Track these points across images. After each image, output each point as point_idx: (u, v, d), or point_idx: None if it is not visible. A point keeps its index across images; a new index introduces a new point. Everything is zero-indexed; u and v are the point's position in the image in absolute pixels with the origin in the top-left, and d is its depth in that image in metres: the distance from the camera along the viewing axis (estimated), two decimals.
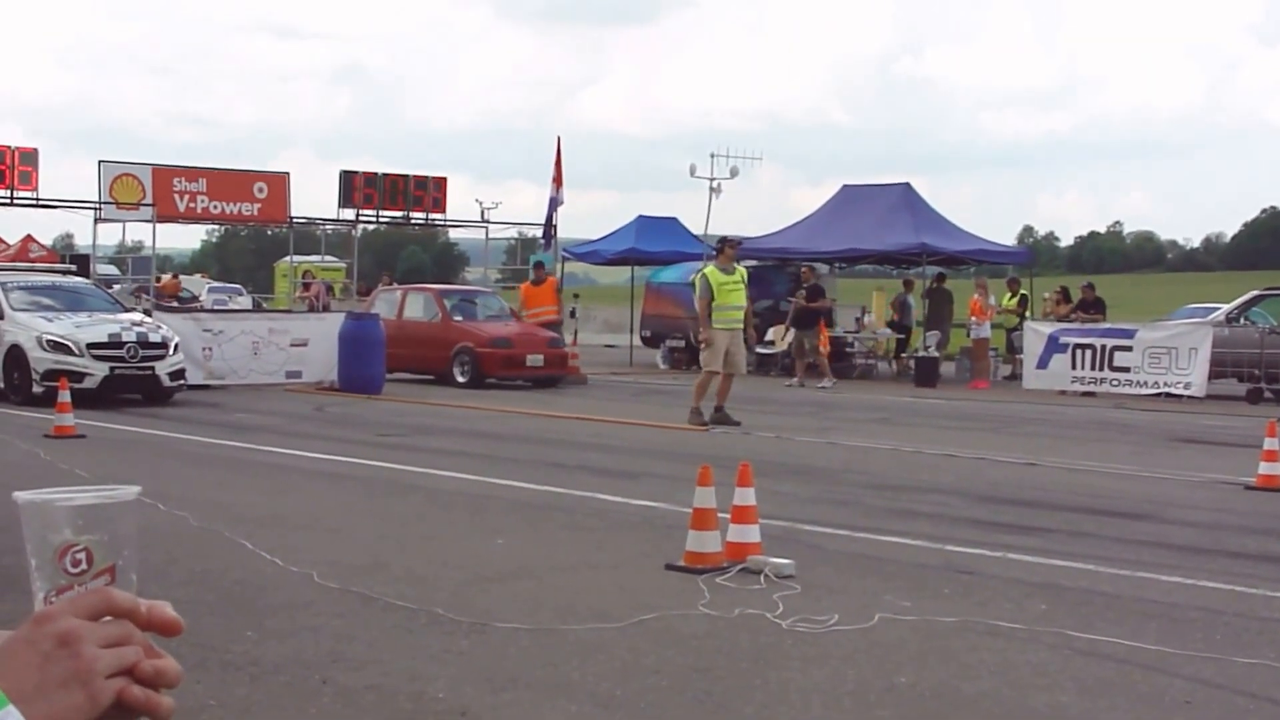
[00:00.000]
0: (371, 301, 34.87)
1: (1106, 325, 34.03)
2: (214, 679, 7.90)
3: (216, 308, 41.34)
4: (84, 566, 1.65)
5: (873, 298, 43.31)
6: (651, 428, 22.89)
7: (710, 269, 23.04)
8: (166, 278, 45.98)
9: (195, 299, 46.33)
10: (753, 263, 41.83)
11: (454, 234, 48.01)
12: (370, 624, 9.21)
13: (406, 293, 35.33)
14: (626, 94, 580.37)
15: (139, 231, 40.85)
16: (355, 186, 35.74)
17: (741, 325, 23.03)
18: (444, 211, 37.06)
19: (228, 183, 34.99)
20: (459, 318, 33.04)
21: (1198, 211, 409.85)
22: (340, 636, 8.91)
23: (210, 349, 28.92)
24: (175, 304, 38.83)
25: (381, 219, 37.24)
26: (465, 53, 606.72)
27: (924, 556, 11.96)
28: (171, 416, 23.22)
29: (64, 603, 1.62)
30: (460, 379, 31.48)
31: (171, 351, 25.35)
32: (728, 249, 23.67)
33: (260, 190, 35.01)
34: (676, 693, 7.96)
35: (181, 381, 25.67)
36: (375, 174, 36.32)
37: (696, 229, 46.72)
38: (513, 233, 43.01)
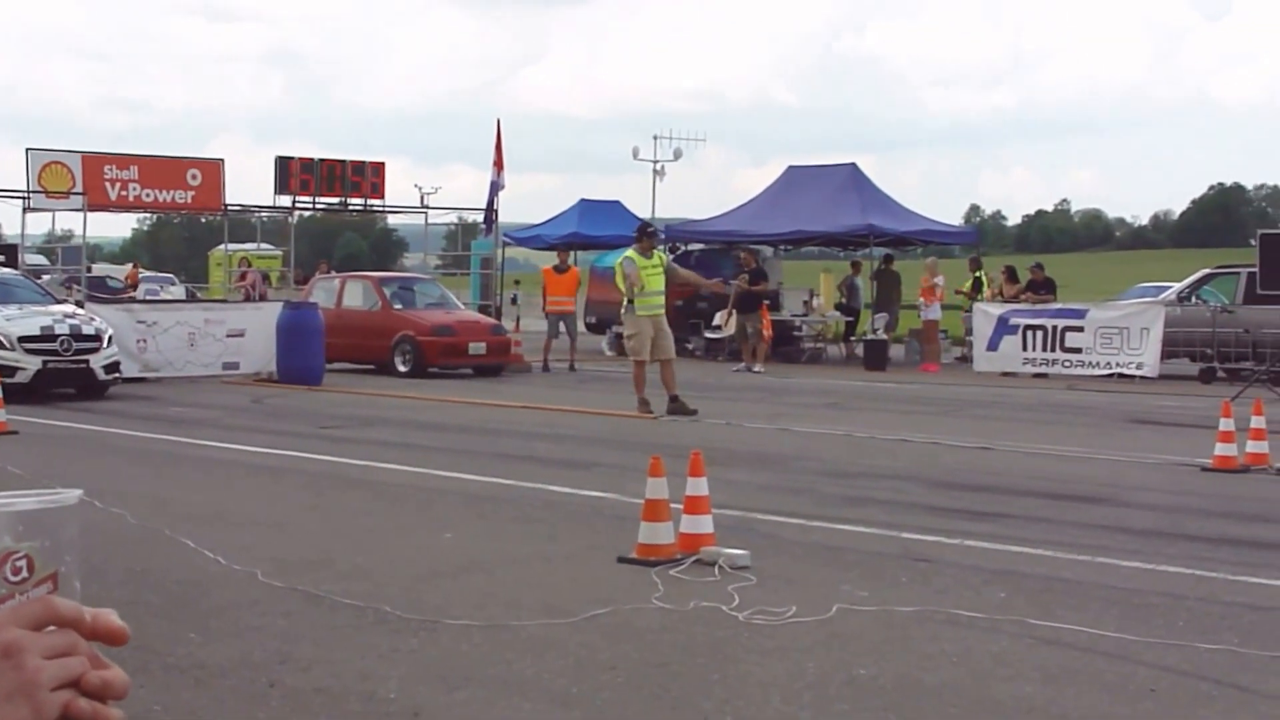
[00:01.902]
0: (309, 290, 34.47)
1: (1057, 306, 33.98)
2: (157, 683, 7.67)
3: (150, 298, 40.88)
4: (25, 574, 1.56)
5: (820, 280, 43.21)
6: (599, 416, 22.69)
7: (631, 253, 22.85)
8: (128, 268, 45.57)
9: (127, 288, 45.79)
10: (699, 246, 41.80)
11: (392, 220, 47.90)
12: (317, 623, 8.99)
13: (345, 281, 34.84)
14: (567, 75, 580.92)
15: (68, 220, 40.45)
16: (291, 172, 35.38)
17: (663, 310, 22.84)
18: (383, 197, 36.75)
19: (160, 170, 34.55)
20: (399, 306, 32.61)
21: (1145, 189, 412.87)
22: (287, 637, 8.68)
23: (144, 341, 28.42)
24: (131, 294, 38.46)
25: (319, 205, 36.90)
26: (401, 34, 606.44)
27: (880, 544, 11.81)
28: (106, 411, 22.86)
29: (5, 612, 1.54)
30: (401, 368, 31.12)
31: (106, 344, 24.90)
32: (646, 237, 23.50)
33: (194, 177, 34.56)
34: (633, 689, 7.80)
35: (116, 375, 25.27)
36: (312, 159, 35.97)
37: (641, 212, 46.70)
38: (452, 218, 42.71)
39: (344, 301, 33.18)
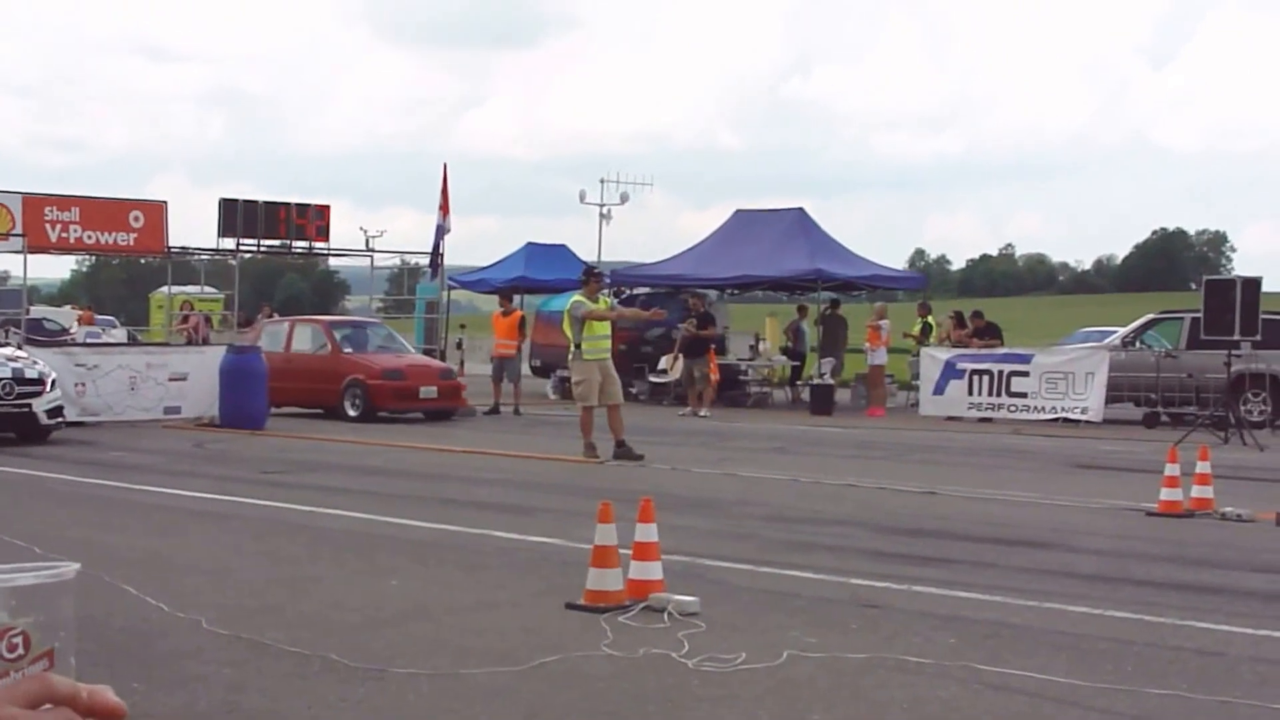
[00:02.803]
0: (257, 333, 34.07)
1: (1003, 350, 34.18)
2: None
3: (90, 341, 40.56)
4: (21, 651, 1.54)
5: (766, 324, 43.26)
6: (544, 461, 22.62)
7: (579, 297, 22.86)
8: (73, 310, 45.18)
9: (65, 331, 45.43)
10: (645, 290, 41.79)
11: (334, 262, 47.58)
12: (263, 672, 8.87)
13: (294, 324, 34.40)
14: (512, 117, 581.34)
15: (6, 262, 40.17)
16: (235, 215, 35.20)
17: (609, 355, 22.84)
18: (327, 240, 36.63)
19: (102, 211, 34.36)
20: (349, 349, 32.22)
21: (1089, 233, 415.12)
22: (232, 686, 8.56)
23: (84, 384, 28.08)
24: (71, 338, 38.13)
25: (263, 249, 36.74)
26: (345, 75, 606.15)
27: (828, 590, 11.77)
28: (44, 455, 22.63)
29: (1, 690, 1.51)
30: (351, 412, 30.72)
31: (49, 388, 24.65)
32: (593, 281, 23.54)
33: (136, 219, 34.39)
34: None
35: (60, 419, 25.02)
36: (256, 202, 35.81)
37: (588, 255, 46.69)
38: (396, 261, 42.58)
39: (293, 345, 32.81)
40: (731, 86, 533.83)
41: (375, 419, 30.24)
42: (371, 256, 38.76)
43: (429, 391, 31.13)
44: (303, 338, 33.15)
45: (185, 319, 44.03)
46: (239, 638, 9.68)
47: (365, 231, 39.31)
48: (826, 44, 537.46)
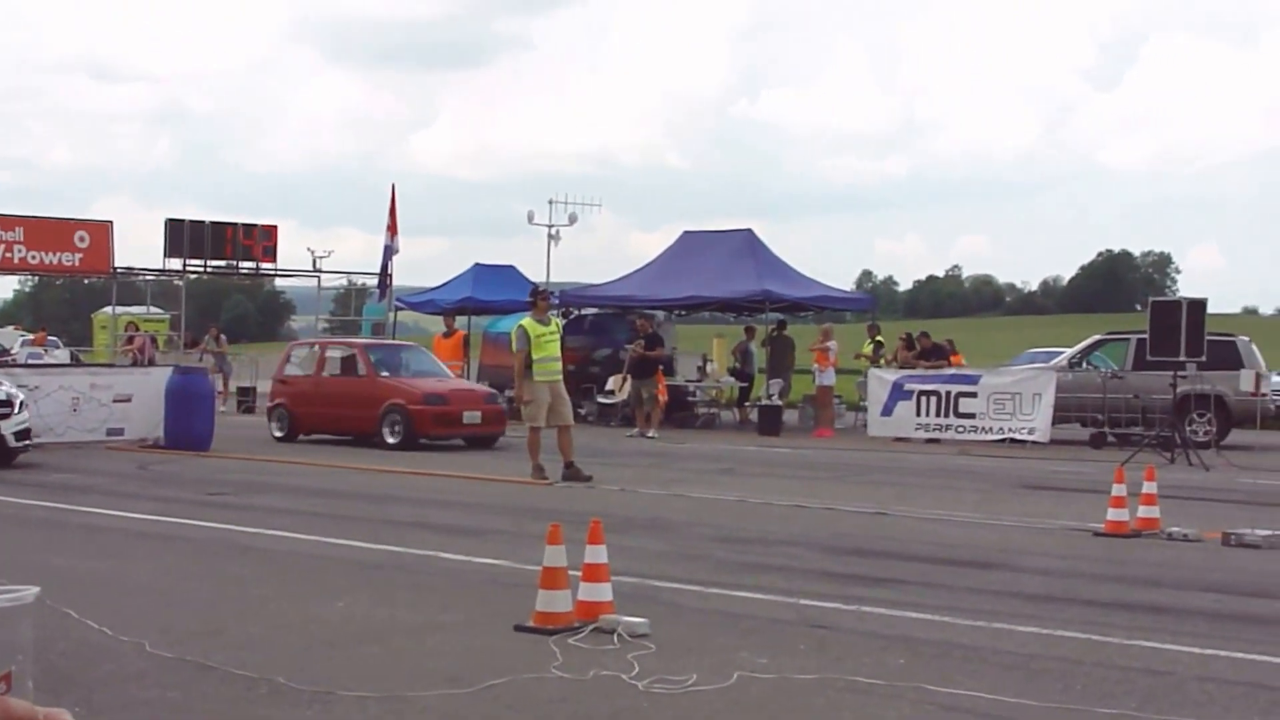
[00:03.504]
0: (282, 359, 33.07)
1: (951, 371, 34.32)
2: None
3: (32, 361, 40.29)
4: None
5: (713, 345, 43.28)
6: (493, 482, 22.57)
7: (527, 321, 22.85)
8: (34, 334, 44.85)
9: (6, 352, 45.13)
10: (594, 310, 41.77)
11: (281, 282, 47.38)
12: (208, 695, 8.78)
13: (325, 346, 33.13)
14: (460, 138, 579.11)
15: None
16: (181, 235, 35.01)
17: (560, 376, 22.85)
18: (274, 261, 36.49)
19: (47, 232, 34.17)
20: (385, 373, 30.63)
21: (1035, 255, 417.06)
22: (177, 709, 8.48)
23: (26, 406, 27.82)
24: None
25: (209, 269, 36.56)
26: (291, 96, 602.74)
27: (778, 611, 11.74)
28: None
29: None
30: (390, 440, 29.11)
31: (16, 410, 24.30)
32: (541, 301, 23.53)
33: (81, 239, 34.21)
34: None
35: (28, 442, 24.65)
36: (203, 223, 35.64)
37: (536, 276, 46.58)
38: (342, 281, 42.52)
39: (325, 369, 31.66)
40: (680, 108, 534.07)
41: (416, 446, 28.69)
42: (318, 277, 38.65)
43: (472, 417, 29.66)
44: (336, 361, 32.01)
45: (130, 340, 43.82)
46: (183, 660, 9.58)
47: (312, 252, 39.08)
48: (773, 66, 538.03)
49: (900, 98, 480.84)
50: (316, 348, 33.01)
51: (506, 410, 36.34)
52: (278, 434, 31.12)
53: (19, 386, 27.34)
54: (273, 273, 37.95)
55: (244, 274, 37.59)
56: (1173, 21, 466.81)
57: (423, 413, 29.10)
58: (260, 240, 35.90)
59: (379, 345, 33.94)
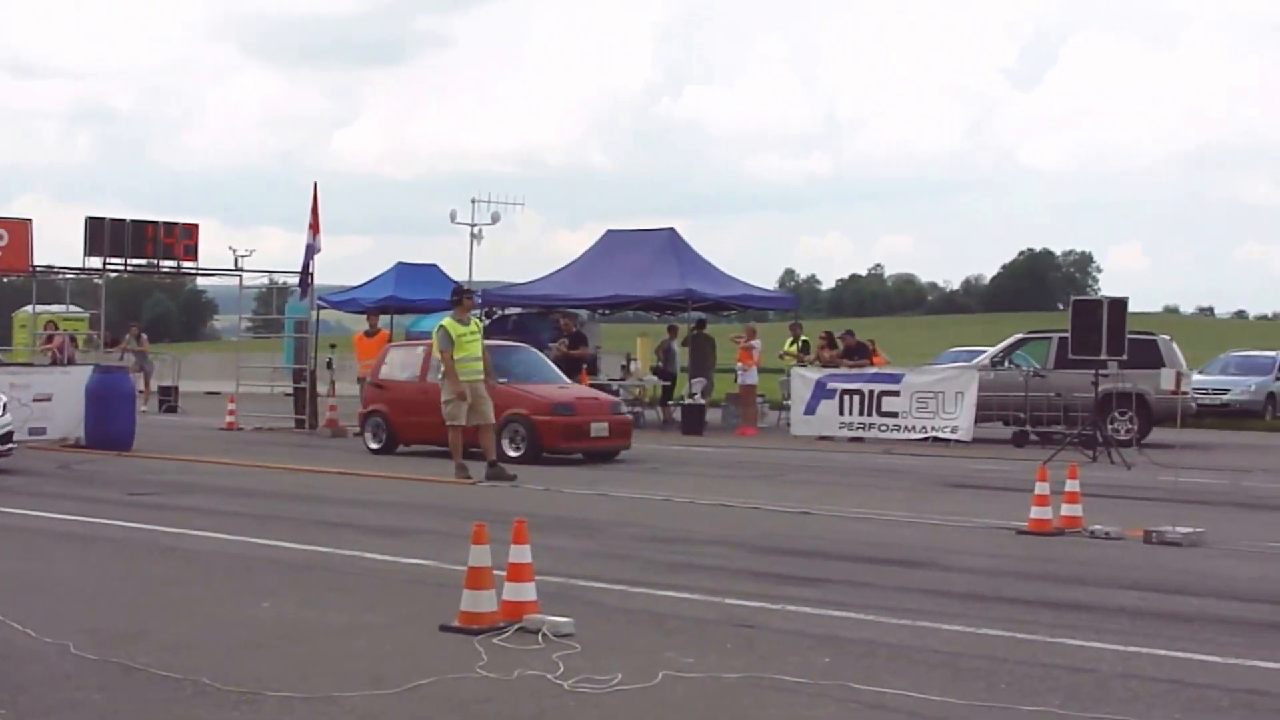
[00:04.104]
0: (380, 360, 29.94)
1: (874, 370, 34.46)
2: None
3: None
4: None
5: (637, 344, 43.31)
6: (417, 482, 22.52)
7: (448, 321, 22.83)
8: None
9: None
10: (517, 310, 41.71)
11: (202, 281, 46.98)
12: (134, 696, 8.72)
13: (430, 349, 28.13)
14: (382, 136, 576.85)
15: None
16: (102, 233, 34.67)
17: (481, 376, 22.84)
18: (196, 259, 36.14)
19: None
20: (503, 379, 26.95)
21: (957, 254, 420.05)
22: (102, 712, 8.41)
23: None
24: None
25: (130, 268, 36.23)
26: (212, 93, 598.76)
27: (704, 611, 11.76)
28: None
29: None
30: (512, 453, 26.08)
31: (1, 413, 23.88)
32: (466, 300, 23.51)
33: (0, 237, 33.78)
34: None
35: (11, 445, 24.06)
36: (123, 221, 35.29)
37: (459, 275, 46.49)
38: (264, 280, 42.19)
39: (431, 373, 27.47)
40: (602, 107, 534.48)
41: (540, 460, 26.21)
42: (240, 276, 38.27)
43: (600, 429, 27.04)
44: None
45: (50, 339, 43.39)
46: (108, 662, 9.51)
47: (234, 251, 38.73)
48: (697, 64, 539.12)
49: (823, 96, 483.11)
50: (421, 349, 29.34)
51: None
52: (374, 445, 28.47)
53: None
54: (194, 272, 37.53)
55: (165, 273, 37.15)
56: (1093, 22, 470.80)
57: (550, 424, 26.53)
58: (181, 239, 35.53)
59: (491, 347, 29.02)
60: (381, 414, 28.66)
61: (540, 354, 31.07)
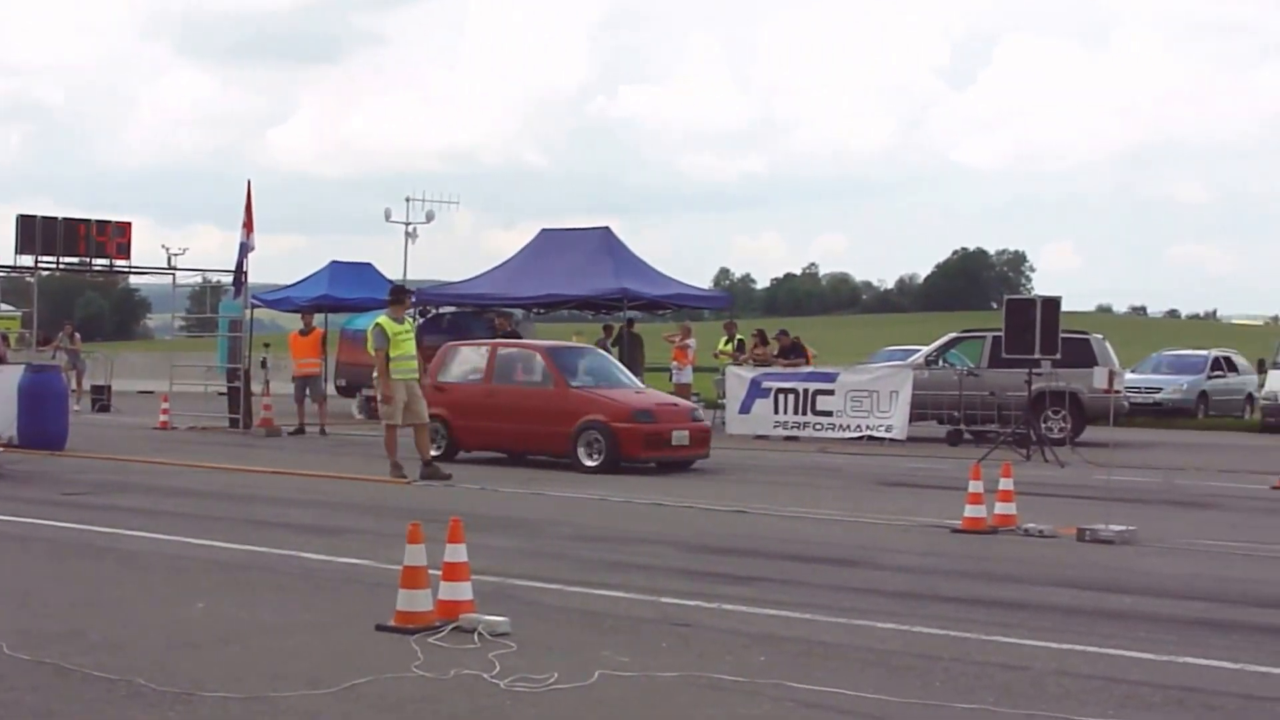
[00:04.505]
0: (438, 362, 27.81)
1: (809, 369, 34.53)
2: None
3: None
4: None
5: (572, 343, 43.25)
6: (352, 481, 22.44)
7: (383, 319, 22.78)
8: None
9: None
10: (451, 309, 41.59)
11: (135, 280, 46.61)
12: (68, 697, 8.67)
13: (496, 349, 27.86)
14: (317, 134, 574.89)
15: None
16: (33, 231, 34.37)
17: (417, 375, 22.85)
18: (128, 257, 35.87)
19: None
20: (577, 383, 26.18)
21: (891, 253, 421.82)
22: (36, 713, 8.36)
23: None
24: None
25: (62, 266, 35.94)
26: (145, 90, 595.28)
27: (639, 610, 11.79)
28: None
29: None
30: (588, 462, 24.80)
31: None
32: (406, 299, 23.51)
33: None
34: None
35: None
36: (55, 219, 35.01)
37: (393, 274, 46.33)
38: (198, 279, 41.93)
39: (498, 375, 26.79)
40: (537, 105, 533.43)
41: (618, 470, 24.61)
42: (173, 275, 37.99)
43: (681, 437, 25.32)
44: (512, 367, 27.17)
45: None
46: (41, 663, 9.46)
47: (167, 249, 38.40)
48: (631, 63, 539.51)
49: (758, 95, 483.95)
50: (485, 350, 27.94)
51: (363, 408, 35.99)
52: (432, 452, 25.08)
53: None
54: (127, 270, 37.24)
55: (98, 271, 36.87)
56: (1025, 22, 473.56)
57: (631, 432, 24.86)
58: (114, 237, 35.23)
59: (564, 348, 28.83)
60: (441, 418, 26.22)
61: (608, 355, 30.25)
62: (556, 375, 25.91)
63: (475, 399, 26.33)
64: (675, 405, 26.88)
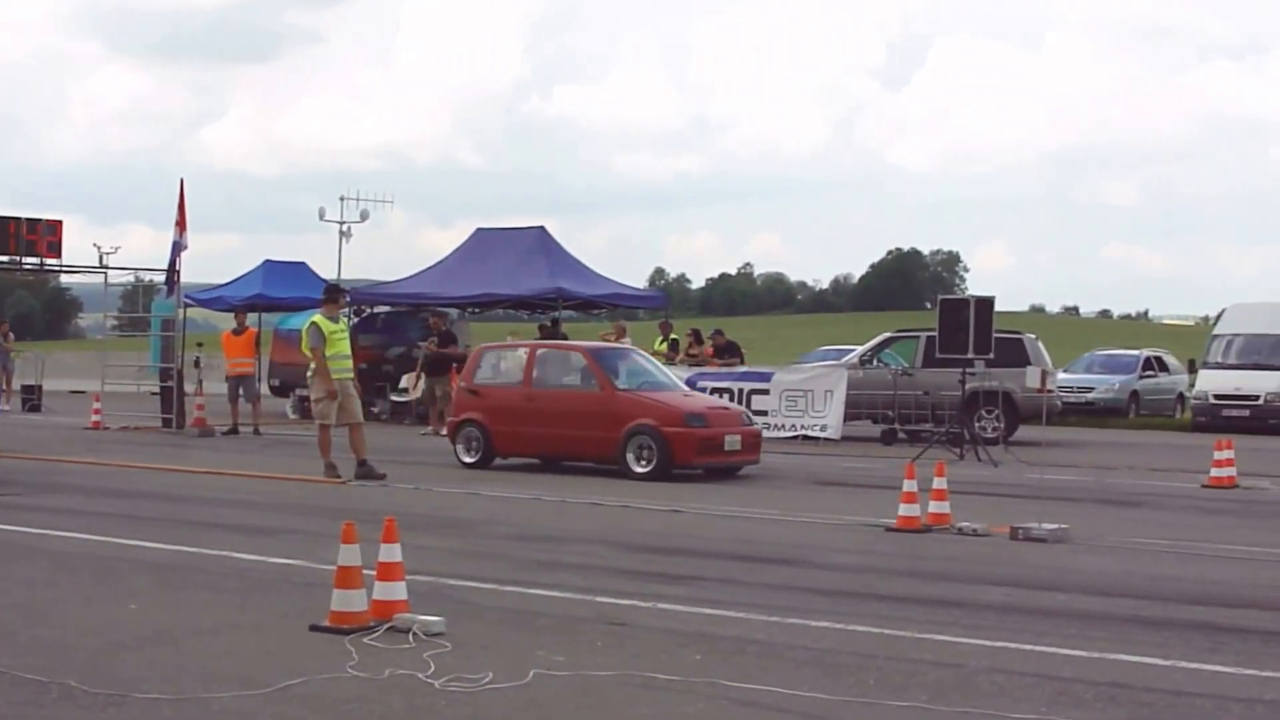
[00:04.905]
0: (471, 365, 27.06)
1: (743, 369, 34.60)
2: None
3: None
4: None
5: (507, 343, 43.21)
6: (286, 481, 22.37)
7: (319, 318, 22.71)
8: None
9: None
10: (386, 309, 41.50)
11: (66, 279, 46.31)
12: None
13: (535, 350, 26.70)
14: (251, 132, 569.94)
15: None
16: None
17: (351, 374, 22.79)
18: (60, 257, 35.61)
19: None
20: (623, 385, 24.98)
21: (826, 253, 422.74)
22: None
23: None
24: None
25: None
26: (76, 87, 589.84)
27: (575, 609, 11.79)
28: None
29: None
30: (638, 469, 23.65)
31: None
32: (340, 299, 23.47)
33: None
34: None
35: None
36: None
37: (327, 273, 46.17)
38: (130, 278, 41.65)
39: (537, 377, 25.64)
40: (472, 104, 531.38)
41: (669, 477, 23.42)
42: (105, 274, 37.73)
43: (733, 442, 24.17)
44: (553, 369, 26.11)
45: None
46: None
47: (99, 248, 38.16)
48: (567, 62, 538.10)
49: (693, 95, 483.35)
50: (523, 352, 26.85)
51: (297, 408, 35.83)
52: (467, 459, 25.49)
53: None
54: (58, 269, 36.98)
55: (28, 270, 36.57)
56: (960, 24, 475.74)
57: (685, 437, 23.68)
58: (45, 235, 34.95)
59: (605, 349, 27.57)
60: (478, 423, 25.57)
61: (649, 356, 29.14)
62: (602, 377, 24.77)
63: (513, 403, 25.34)
64: (726, 409, 26.04)
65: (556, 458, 25.28)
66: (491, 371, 26.64)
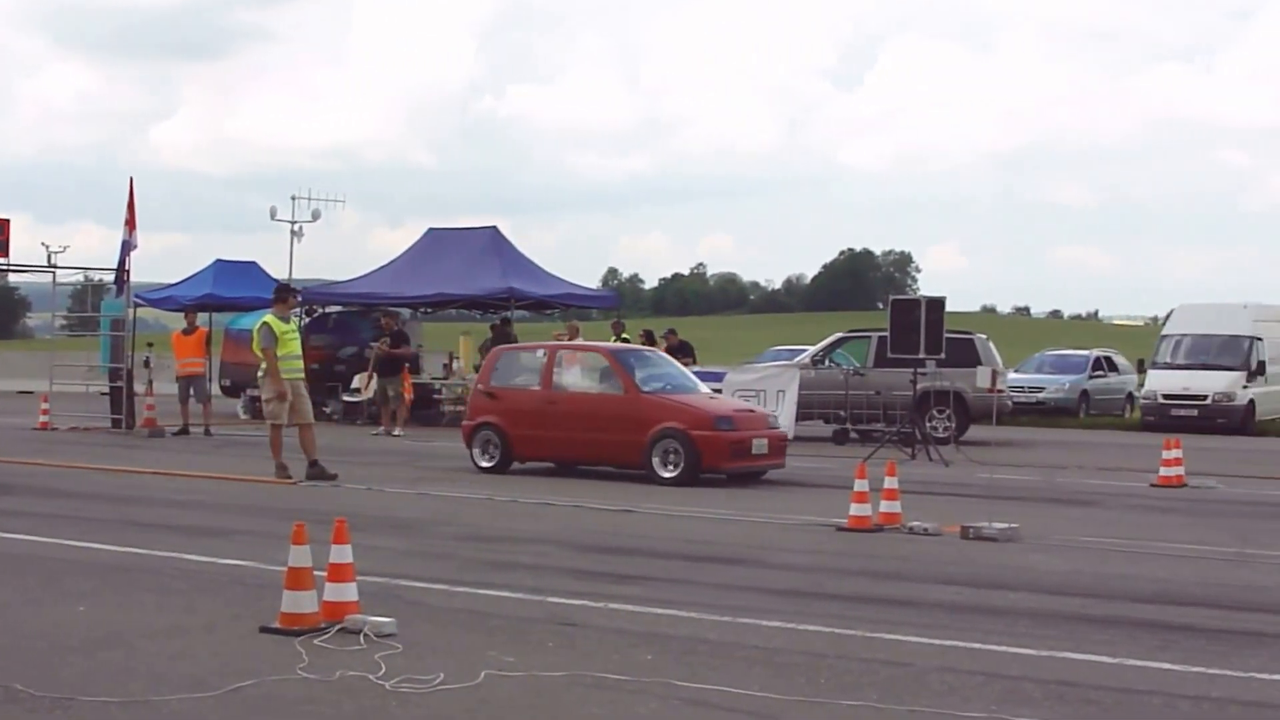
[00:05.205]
0: (489, 367, 26.54)
1: (696, 369, 34.57)
2: None
3: None
4: None
5: (459, 343, 43.13)
6: (236, 481, 22.29)
7: (270, 318, 22.63)
8: None
9: None
10: (338, 308, 41.39)
11: (14, 278, 46.01)
12: None
13: (555, 352, 25.76)
14: (201, 131, 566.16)
15: None
16: None
17: (303, 375, 22.74)
18: (7, 255, 35.41)
19: None
20: (648, 388, 24.23)
21: (779, 253, 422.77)
22: None
23: None
24: None
25: None
26: (22, 84, 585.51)
27: (526, 609, 11.78)
28: None
29: None
30: (665, 473, 23.01)
31: None
32: (292, 299, 23.41)
33: None
34: None
35: None
36: None
37: (279, 273, 46.02)
38: (79, 277, 41.44)
39: (558, 380, 24.96)
40: (425, 104, 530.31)
41: (698, 482, 22.83)
42: (53, 273, 37.56)
43: (760, 446, 23.49)
44: (576, 370, 25.42)
45: None
46: None
47: (47, 247, 37.96)
48: (519, 62, 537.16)
49: (645, 95, 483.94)
50: (543, 353, 25.87)
51: (248, 408, 35.72)
52: (484, 464, 24.83)
53: None
54: (5, 268, 36.82)
55: None
56: (911, 24, 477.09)
57: (713, 441, 23.00)
58: None
59: (627, 350, 26.99)
60: (495, 427, 24.89)
61: (670, 358, 28.34)
62: (626, 380, 24.09)
63: (533, 406, 24.65)
64: (752, 412, 25.31)
65: (577, 462, 24.66)
66: (509, 374, 25.96)
